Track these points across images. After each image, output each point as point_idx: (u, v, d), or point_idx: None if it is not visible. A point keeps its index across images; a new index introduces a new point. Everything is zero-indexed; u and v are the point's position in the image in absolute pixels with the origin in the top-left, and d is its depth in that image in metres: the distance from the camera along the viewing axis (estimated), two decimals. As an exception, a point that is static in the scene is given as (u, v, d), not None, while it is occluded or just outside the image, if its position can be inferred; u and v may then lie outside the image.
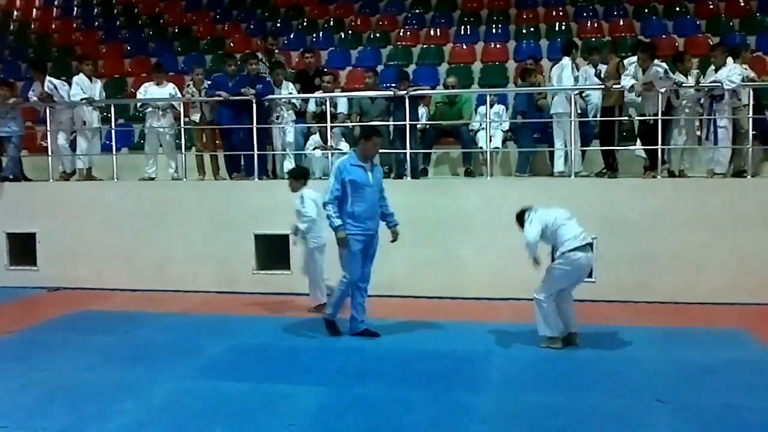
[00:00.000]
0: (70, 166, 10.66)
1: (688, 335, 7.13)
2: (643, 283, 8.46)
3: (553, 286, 6.67)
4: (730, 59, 8.90)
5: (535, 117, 10.18)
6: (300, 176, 8.16)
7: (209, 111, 10.26)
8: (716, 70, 8.97)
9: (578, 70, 9.83)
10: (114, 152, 10.40)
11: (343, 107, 10.28)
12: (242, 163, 10.03)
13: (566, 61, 9.67)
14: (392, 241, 7.30)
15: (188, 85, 10.31)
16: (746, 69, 8.97)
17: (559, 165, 9.71)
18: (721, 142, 8.79)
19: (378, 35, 14.71)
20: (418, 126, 10.03)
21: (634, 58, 9.12)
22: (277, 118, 10.00)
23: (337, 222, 6.90)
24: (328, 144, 9.74)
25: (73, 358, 6.62)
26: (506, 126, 10.75)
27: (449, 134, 10.50)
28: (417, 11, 15.35)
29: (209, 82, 10.40)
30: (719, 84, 8.66)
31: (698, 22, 13.68)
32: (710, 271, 8.26)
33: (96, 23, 16.93)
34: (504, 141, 10.73)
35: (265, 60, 10.56)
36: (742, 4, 14.01)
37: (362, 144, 7.16)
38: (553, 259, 6.80)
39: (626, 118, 9.72)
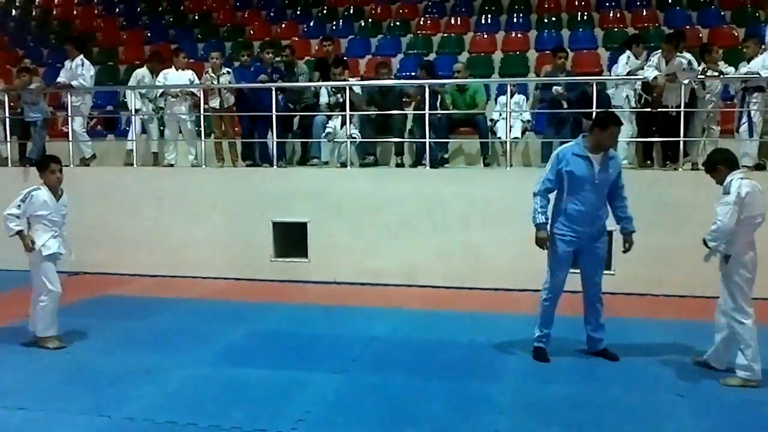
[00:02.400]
0: (89, 152, 10.68)
1: (707, 329, 7.01)
2: (662, 277, 8.39)
3: (748, 298, 5.48)
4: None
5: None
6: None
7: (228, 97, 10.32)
8: (748, 62, 8.84)
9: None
10: (133, 138, 10.46)
11: (358, 89, 10.28)
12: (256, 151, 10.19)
13: (623, 55, 9.73)
14: (624, 251, 6.21)
15: (207, 72, 10.31)
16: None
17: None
18: (754, 134, 8.68)
19: (398, 24, 14.67)
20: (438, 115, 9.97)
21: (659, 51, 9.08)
22: None
23: (540, 219, 5.90)
24: (345, 131, 9.74)
25: (91, 342, 6.68)
26: (526, 116, 10.67)
27: (465, 123, 10.42)
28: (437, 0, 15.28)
29: (227, 69, 10.43)
30: (755, 75, 8.54)
31: (723, 13, 13.49)
32: (731, 265, 8.15)
33: (117, 10, 17.04)
34: (523, 131, 10.65)
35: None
36: (769, -6, 13.80)
37: (596, 133, 5.87)
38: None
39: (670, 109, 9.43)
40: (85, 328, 7.08)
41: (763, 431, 4.71)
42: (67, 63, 10.60)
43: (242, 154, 10.35)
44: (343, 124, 9.71)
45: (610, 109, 9.44)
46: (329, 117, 10.00)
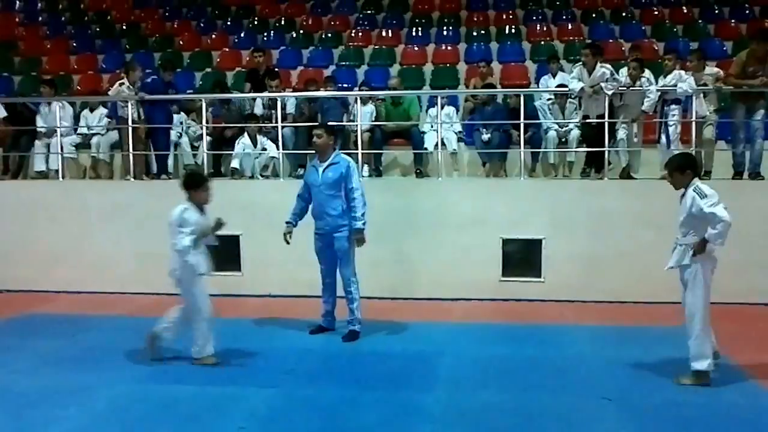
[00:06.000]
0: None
1: (633, 334, 7.27)
2: (590, 283, 8.60)
3: (708, 295, 5.66)
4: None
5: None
6: None
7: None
8: (665, 75, 9.19)
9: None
10: (60, 151, 10.17)
11: (291, 108, 10.28)
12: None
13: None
14: (357, 245, 7.16)
15: (122, 83, 10.03)
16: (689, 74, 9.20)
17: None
18: (673, 143, 9.00)
19: (330, 35, 14.69)
20: (365, 126, 9.99)
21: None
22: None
23: (288, 218, 7.25)
24: (258, 145, 9.78)
25: (14, 363, 6.43)
26: (457, 128, 10.81)
27: (399, 135, 10.51)
28: (369, 12, 15.40)
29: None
30: (672, 88, 8.92)
31: (644, 28, 14.00)
32: (655, 271, 8.33)
33: (40, 18, 16.54)
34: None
35: None
36: (685, 11, 14.41)
37: (314, 141, 7.30)
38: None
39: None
40: (7, 347, 6.85)
41: (683, 430, 4.89)
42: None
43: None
44: (252, 139, 9.79)
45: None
46: (243, 133, 9.98)
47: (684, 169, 5.74)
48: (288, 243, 7.19)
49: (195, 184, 6.39)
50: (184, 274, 6.22)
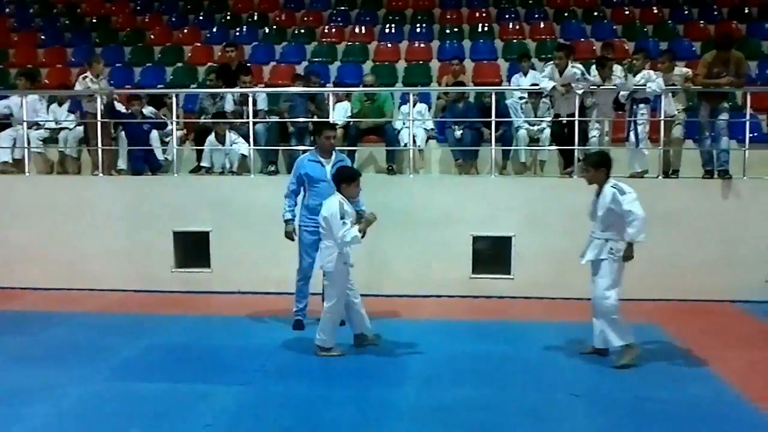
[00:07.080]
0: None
1: (601, 330, 7.34)
2: (559, 280, 8.66)
3: (619, 282, 6.23)
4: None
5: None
6: None
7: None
8: (634, 74, 9.29)
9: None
10: (26, 145, 10.02)
11: (262, 104, 10.21)
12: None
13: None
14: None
15: (85, 77, 9.91)
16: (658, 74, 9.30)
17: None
18: (642, 142, 9.10)
19: (302, 31, 14.64)
20: (340, 123, 9.96)
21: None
22: None
23: (288, 216, 7.18)
24: (226, 143, 9.69)
25: (-22, 360, 6.35)
26: (429, 125, 10.82)
27: (373, 132, 10.50)
28: (342, 8, 15.35)
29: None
30: (642, 87, 9.01)
31: (615, 27, 14.13)
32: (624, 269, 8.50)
33: (6, 10, 16.24)
34: (426, 140, 10.80)
35: None
36: (656, 11, 14.57)
37: (317, 139, 7.38)
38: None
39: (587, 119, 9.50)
40: (-28, 345, 6.74)
41: (649, 425, 4.96)
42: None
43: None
44: (219, 137, 9.71)
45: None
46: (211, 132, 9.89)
47: (599, 166, 6.17)
48: (293, 240, 7.23)
49: (348, 178, 6.51)
50: (337, 266, 6.33)
